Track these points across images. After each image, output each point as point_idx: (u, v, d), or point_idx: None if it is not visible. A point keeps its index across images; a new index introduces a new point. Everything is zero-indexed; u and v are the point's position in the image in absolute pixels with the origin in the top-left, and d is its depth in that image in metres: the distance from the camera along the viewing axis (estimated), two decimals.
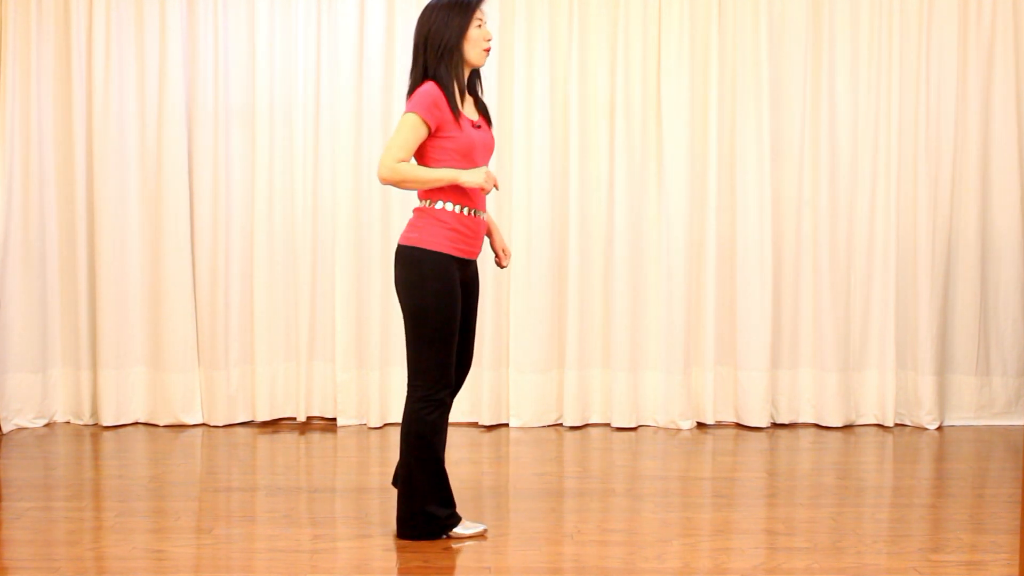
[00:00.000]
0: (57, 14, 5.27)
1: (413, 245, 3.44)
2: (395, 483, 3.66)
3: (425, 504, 3.50)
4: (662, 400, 5.36)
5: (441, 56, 3.43)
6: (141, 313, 5.33)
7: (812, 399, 5.44)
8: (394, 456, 4.81)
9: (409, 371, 3.47)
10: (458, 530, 3.55)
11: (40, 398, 5.31)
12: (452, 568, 3.31)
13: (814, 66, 5.40)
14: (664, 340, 5.35)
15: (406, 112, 3.39)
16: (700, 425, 5.43)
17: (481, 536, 3.57)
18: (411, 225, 3.49)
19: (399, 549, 3.46)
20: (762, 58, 5.32)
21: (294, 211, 5.37)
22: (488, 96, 4.96)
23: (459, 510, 3.67)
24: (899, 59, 5.35)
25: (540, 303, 5.34)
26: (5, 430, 5.19)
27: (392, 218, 5.29)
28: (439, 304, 3.41)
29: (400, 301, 3.48)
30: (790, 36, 5.37)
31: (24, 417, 5.28)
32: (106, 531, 3.64)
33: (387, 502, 4.01)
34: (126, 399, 5.34)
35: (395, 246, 3.62)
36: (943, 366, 5.46)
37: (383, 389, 5.37)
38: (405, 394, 3.56)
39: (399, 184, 3.39)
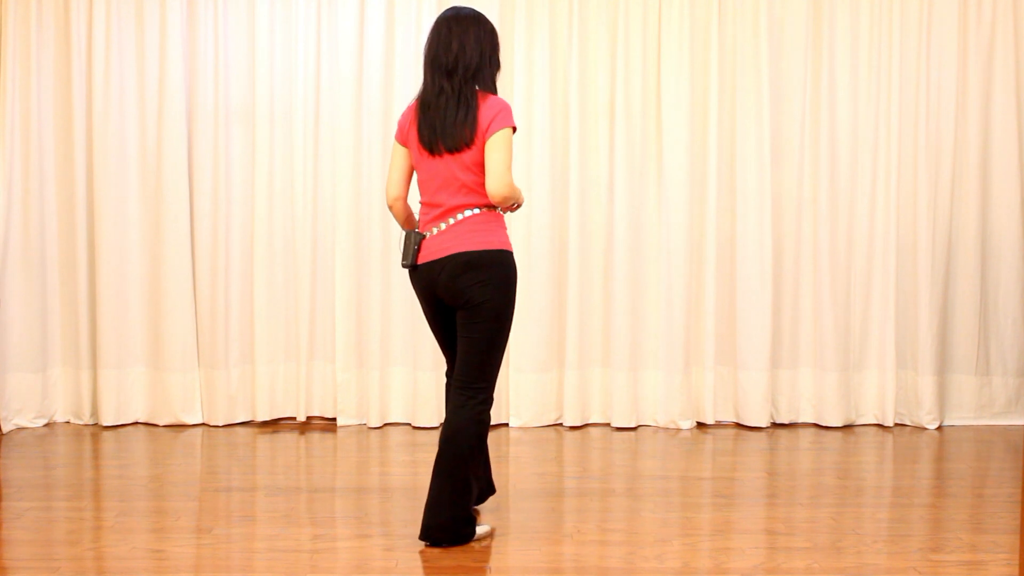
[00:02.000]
0: (57, 14, 5.27)
1: (507, 248, 3.48)
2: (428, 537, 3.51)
3: (470, 504, 3.54)
4: (662, 400, 5.36)
5: (495, 73, 3.51)
6: (141, 313, 5.34)
7: (812, 399, 5.44)
8: (394, 456, 4.81)
9: (472, 374, 3.46)
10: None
11: (40, 398, 5.31)
12: (452, 568, 3.30)
13: (814, 66, 5.40)
14: (664, 340, 5.35)
15: (506, 128, 3.38)
16: (700, 425, 5.43)
17: (489, 535, 3.59)
18: (489, 228, 3.46)
19: (399, 549, 3.46)
20: (762, 58, 5.32)
21: (294, 211, 5.37)
22: None
23: None
24: (899, 59, 5.35)
25: (540, 303, 5.34)
26: (5, 430, 5.19)
27: (392, 218, 5.29)
28: (514, 305, 3.54)
29: (488, 304, 3.43)
30: (790, 36, 5.38)
31: (24, 417, 5.28)
32: (106, 531, 3.64)
33: (387, 502, 4.02)
34: (126, 399, 5.34)
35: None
36: (943, 366, 5.46)
37: (383, 389, 5.37)
38: (455, 401, 3.49)
39: (511, 199, 3.42)
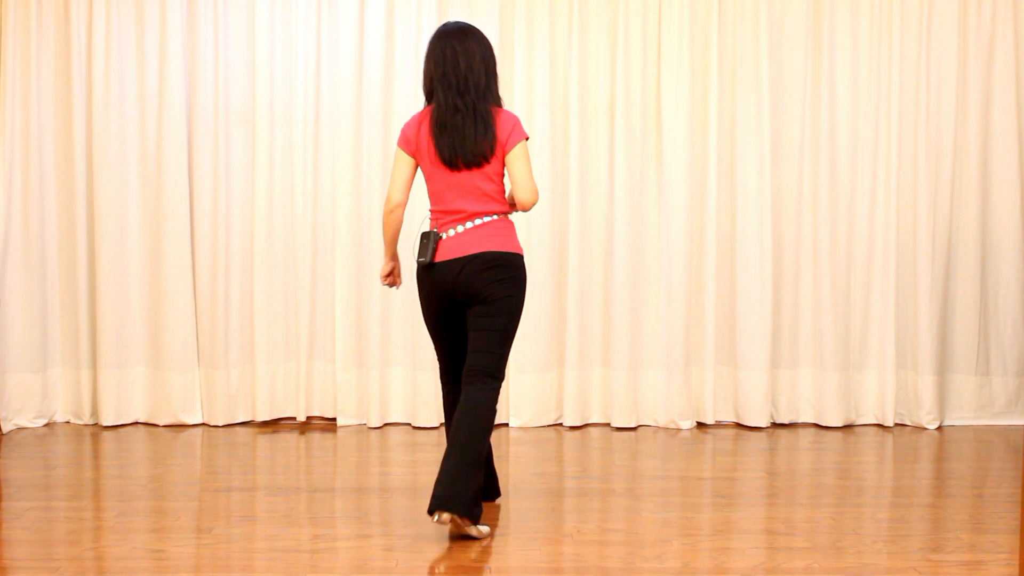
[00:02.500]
0: (57, 14, 5.27)
1: (522, 254, 3.66)
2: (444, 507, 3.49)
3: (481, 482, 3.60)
4: (662, 400, 5.36)
5: (498, 86, 3.66)
6: (141, 313, 5.34)
7: (812, 399, 5.44)
8: (394, 456, 4.81)
9: (486, 363, 3.59)
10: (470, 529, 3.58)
11: (40, 398, 5.31)
12: (452, 568, 3.30)
13: (814, 66, 5.40)
14: (664, 340, 5.35)
15: (522, 140, 3.58)
16: (700, 425, 5.43)
17: (488, 536, 3.59)
18: (507, 233, 3.63)
19: (399, 549, 3.46)
20: (762, 58, 5.32)
21: (294, 211, 5.37)
22: None
23: None
24: (899, 59, 5.35)
25: (540, 302, 5.34)
26: (5, 430, 5.19)
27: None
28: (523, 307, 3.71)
29: (505, 300, 3.58)
30: (790, 36, 5.37)
31: (24, 417, 5.28)
32: (106, 531, 3.64)
33: (387, 502, 4.02)
34: (126, 399, 5.34)
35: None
36: (943, 366, 5.46)
37: (383, 389, 5.37)
38: (472, 385, 3.59)
39: (536, 204, 3.68)
